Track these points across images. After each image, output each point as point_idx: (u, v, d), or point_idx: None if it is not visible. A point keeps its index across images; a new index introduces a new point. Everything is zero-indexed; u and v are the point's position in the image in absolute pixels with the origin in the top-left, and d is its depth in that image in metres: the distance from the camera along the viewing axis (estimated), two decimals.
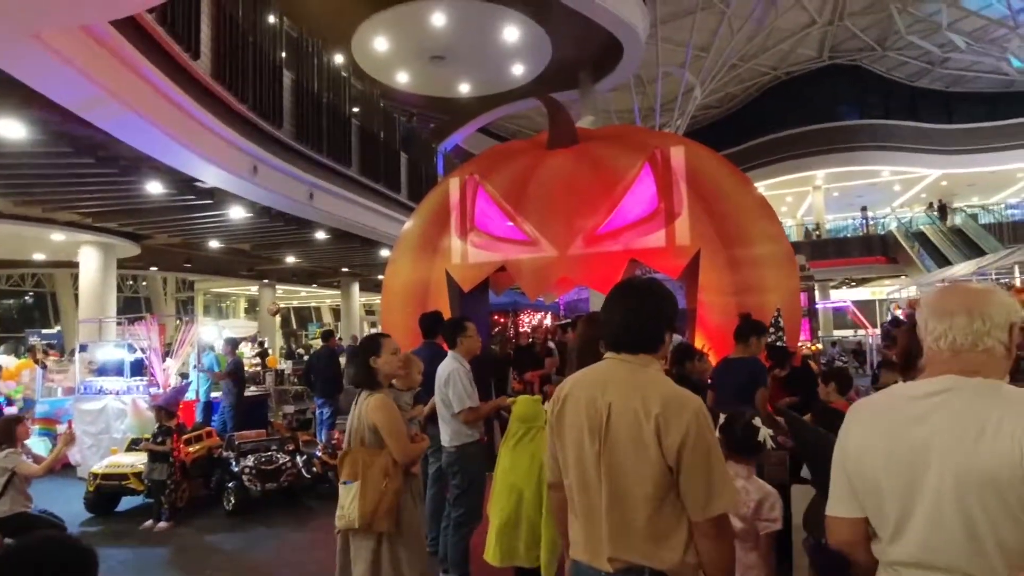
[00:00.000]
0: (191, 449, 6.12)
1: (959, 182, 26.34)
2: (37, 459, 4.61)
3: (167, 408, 5.76)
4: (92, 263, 11.96)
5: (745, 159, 23.79)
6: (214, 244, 13.43)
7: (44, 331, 22.92)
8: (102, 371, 8.36)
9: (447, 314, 5.47)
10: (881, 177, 26.27)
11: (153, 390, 7.49)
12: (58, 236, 11.38)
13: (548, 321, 13.95)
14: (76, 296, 15.80)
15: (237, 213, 9.77)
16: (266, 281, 21.69)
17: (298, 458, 6.29)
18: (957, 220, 24.11)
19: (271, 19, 8.93)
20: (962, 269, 14.11)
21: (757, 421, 2.85)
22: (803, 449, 2.72)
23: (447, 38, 12.50)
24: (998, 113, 24.63)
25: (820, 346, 12.54)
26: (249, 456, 6.04)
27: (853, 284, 27.06)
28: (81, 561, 1.14)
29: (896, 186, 27.56)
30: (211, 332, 14.02)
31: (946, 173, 25.36)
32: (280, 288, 24.14)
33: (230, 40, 7.60)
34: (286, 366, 14.11)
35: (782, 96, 25.67)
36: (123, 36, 5.68)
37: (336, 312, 32.55)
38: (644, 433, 1.63)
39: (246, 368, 10.10)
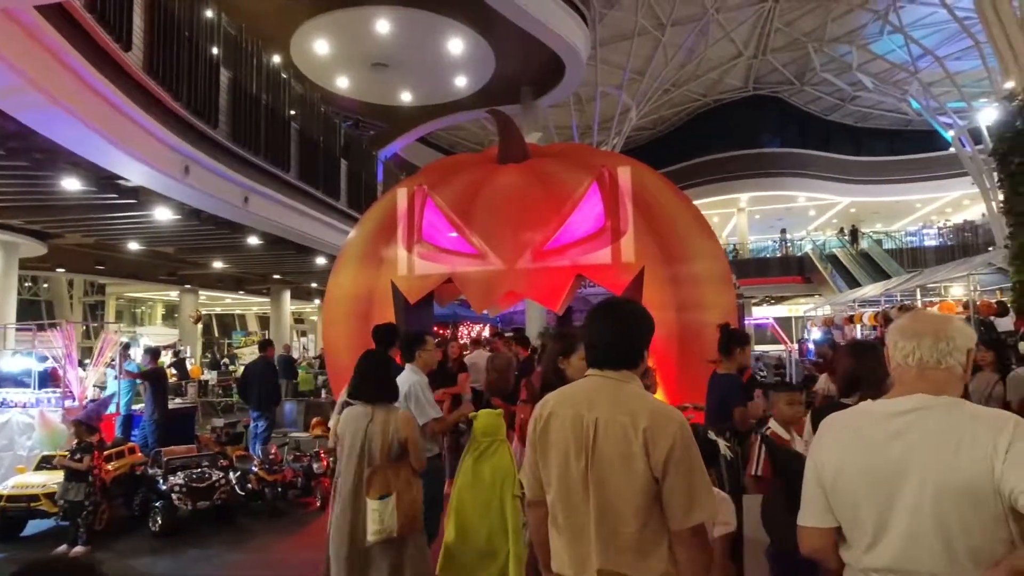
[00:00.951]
0: (112, 466, 5.70)
1: (866, 209, 28.66)
2: None
3: (88, 423, 5.31)
4: None
5: (676, 179, 24.17)
6: (133, 246, 12.65)
7: None
8: (2, 381, 7.69)
9: None
10: (798, 202, 28.14)
11: (68, 403, 6.93)
12: None
13: (486, 333, 13.90)
14: None
15: (163, 215, 9.25)
16: (188, 286, 20.58)
17: (232, 474, 5.97)
18: (864, 245, 26.02)
19: (208, 14, 8.56)
20: (871, 291, 15.20)
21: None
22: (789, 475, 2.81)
23: (390, 46, 12.40)
24: (898, 148, 26.98)
25: None
26: (179, 473, 5.65)
27: (773, 301, 28.58)
28: None
29: (811, 211, 29.63)
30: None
31: (854, 201, 27.56)
32: (203, 294, 22.97)
33: (165, 33, 7.25)
34: (210, 377, 13.38)
35: (710, 122, 27.00)
36: (48, 22, 5.33)
37: (263, 320, 31.27)
38: (632, 447, 1.67)
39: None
